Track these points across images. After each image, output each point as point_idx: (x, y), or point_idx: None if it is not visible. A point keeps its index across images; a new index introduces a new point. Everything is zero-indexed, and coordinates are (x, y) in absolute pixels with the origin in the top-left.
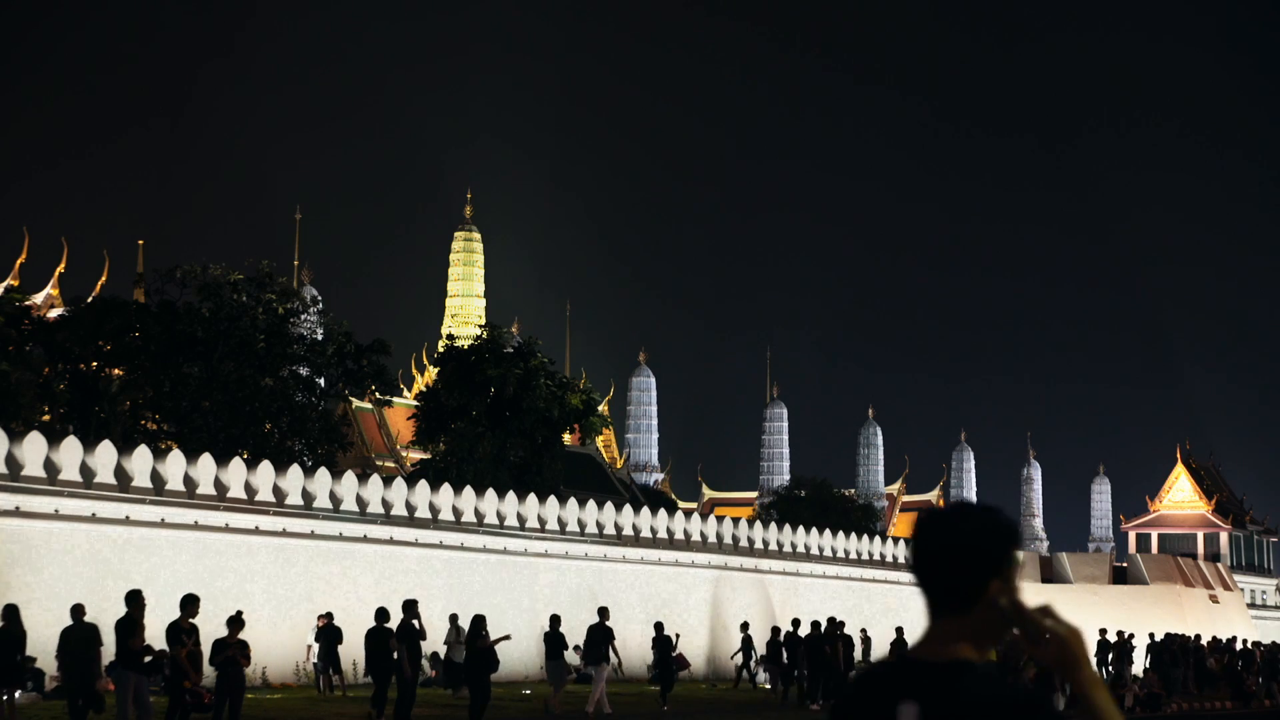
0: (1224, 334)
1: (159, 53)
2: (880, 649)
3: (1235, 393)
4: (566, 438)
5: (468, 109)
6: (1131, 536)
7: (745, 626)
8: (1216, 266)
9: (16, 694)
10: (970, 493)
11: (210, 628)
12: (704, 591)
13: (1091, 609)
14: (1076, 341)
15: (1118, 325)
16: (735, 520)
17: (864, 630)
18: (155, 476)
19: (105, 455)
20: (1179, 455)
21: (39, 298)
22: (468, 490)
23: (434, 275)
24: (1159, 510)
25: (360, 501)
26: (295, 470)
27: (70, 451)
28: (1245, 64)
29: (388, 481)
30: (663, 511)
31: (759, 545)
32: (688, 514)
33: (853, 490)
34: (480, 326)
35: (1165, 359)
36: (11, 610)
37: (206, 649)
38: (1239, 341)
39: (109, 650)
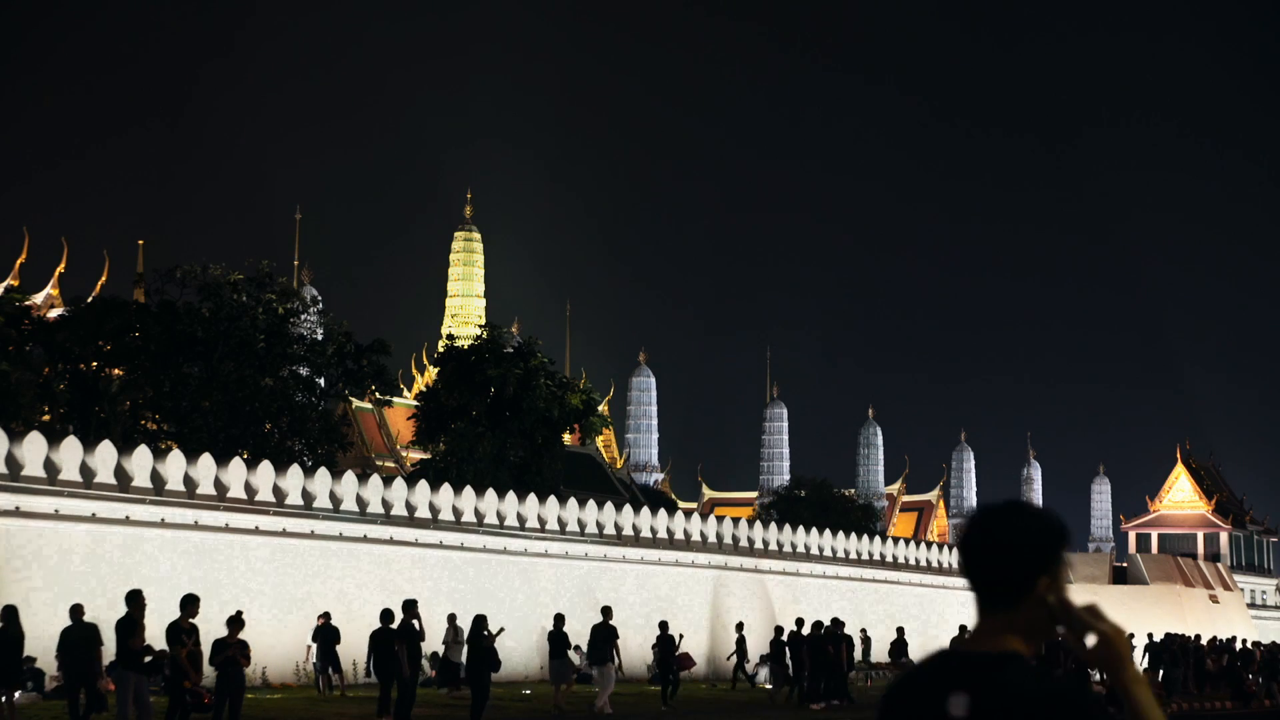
0: (1224, 334)
1: (159, 53)
2: (880, 649)
3: (1235, 393)
4: (566, 438)
5: (468, 109)
6: (1131, 536)
7: (740, 626)
8: (1216, 266)
9: (16, 694)
10: (970, 493)
11: (210, 628)
12: (704, 591)
13: None
14: (1076, 341)
15: (1118, 325)
16: (735, 520)
17: (864, 630)
18: (155, 476)
19: (105, 455)
20: (1179, 455)
21: (39, 298)
22: (468, 490)
23: (434, 275)
24: (1159, 510)
25: (360, 501)
26: (295, 470)
27: (70, 451)
28: (1246, 63)
29: (388, 481)
30: (663, 511)
31: (759, 545)
32: (688, 514)
33: (853, 490)
34: (480, 326)
35: (1165, 359)
36: (11, 611)
37: (206, 649)
38: (1239, 341)
39: (109, 650)
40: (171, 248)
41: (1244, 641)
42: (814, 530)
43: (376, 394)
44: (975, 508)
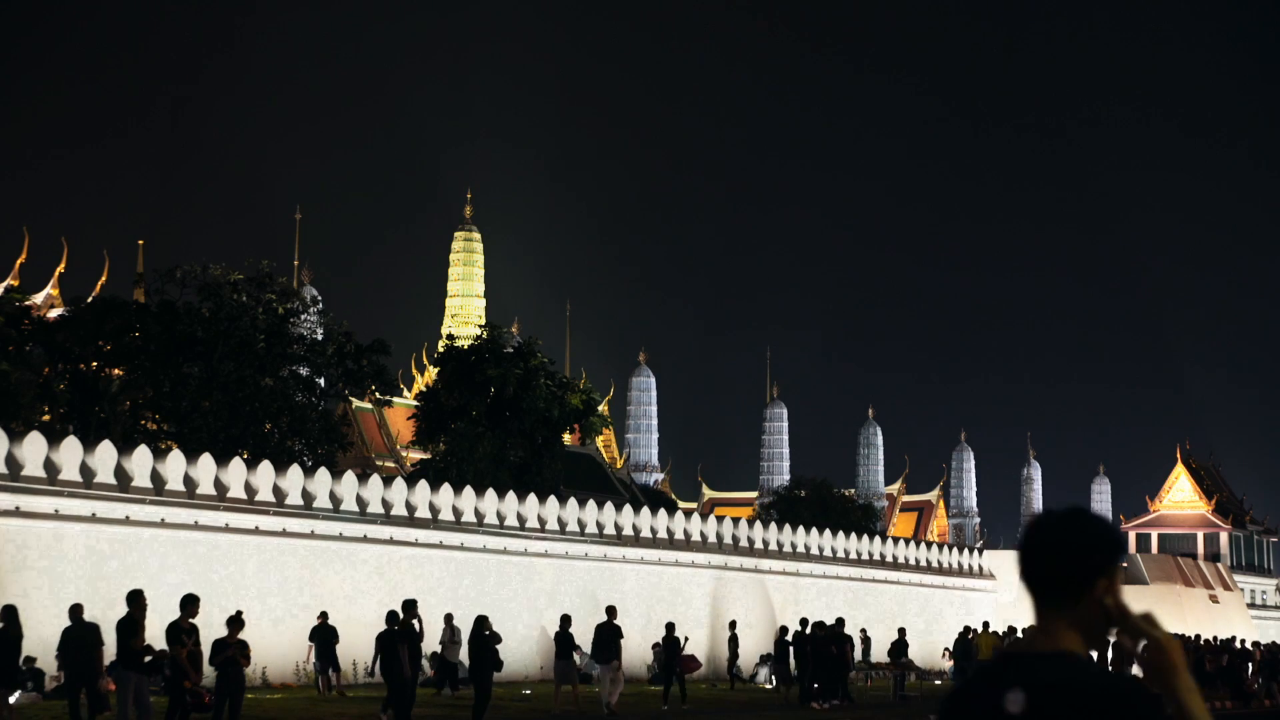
0: (1224, 334)
1: (159, 53)
2: (880, 649)
3: (1235, 393)
4: (566, 438)
5: (468, 108)
6: (1131, 536)
7: (733, 625)
8: (1217, 266)
9: (16, 694)
10: (970, 492)
11: (210, 628)
12: (704, 592)
13: None
14: (1076, 341)
15: (1118, 325)
16: (735, 520)
17: (864, 630)
18: (155, 476)
19: (105, 455)
20: (1179, 455)
21: (39, 298)
22: (468, 490)
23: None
24: (1159, 510)
25: (360, 501)
26: (295, 470)
27: (70, 451)
28: (1247, 62)
29: (388, 481)
30: (663, 511)
31: (759, 545)
32: (688, 514)
33: (853, 490)
34: (480, 326)
35: (1165, 359)
36: (11, 611)
37: (206, 649)
38: (1239, 341)
39: (109, 650)
40: (171, 248)
41: (1241, 641)
42: (814, 530)
43: (376, 394)
44: (1039, 512)
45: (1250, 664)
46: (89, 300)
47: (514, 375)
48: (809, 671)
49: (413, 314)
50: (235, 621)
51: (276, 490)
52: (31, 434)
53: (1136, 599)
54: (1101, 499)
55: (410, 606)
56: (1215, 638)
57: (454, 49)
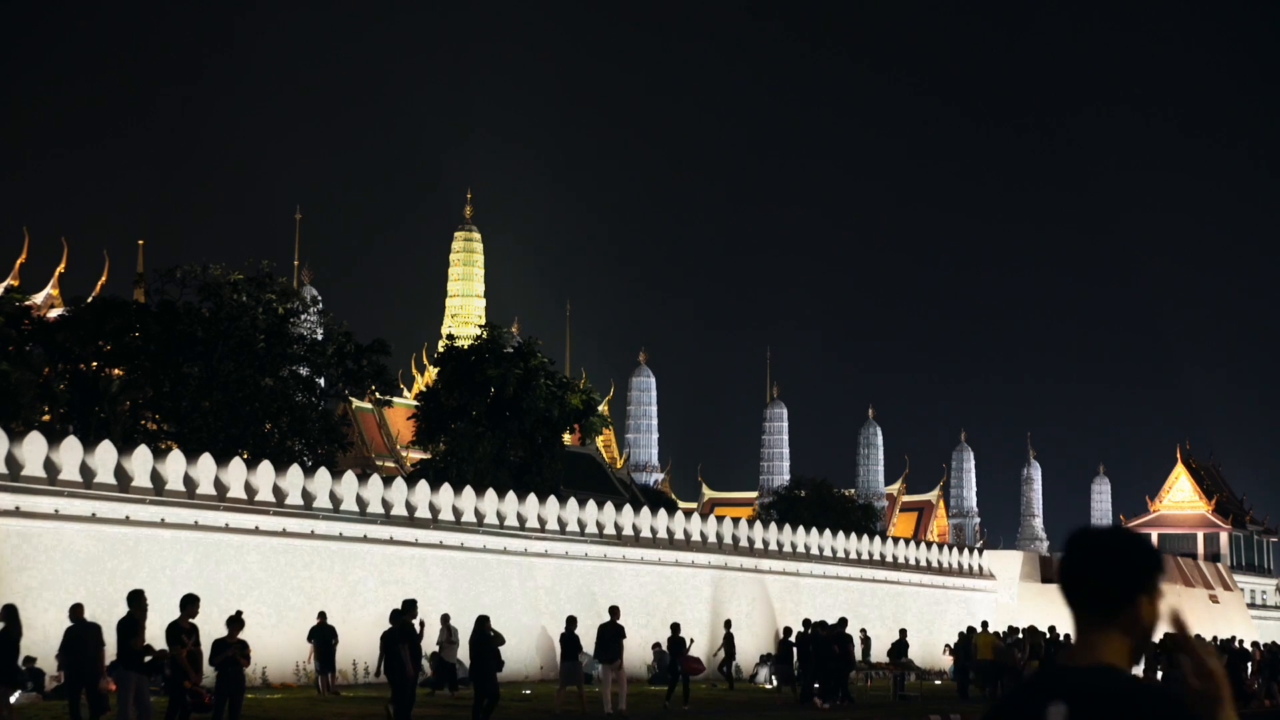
0: (1224, 334)
1: (158, 52)
2: (880, 649)
3: (1235, 393)
4: (566, 438)
5: (468, 107)
6: None
7: (728, 624)
8: (1217, 266)
9: (16, 694)
10: (970, 492)
11: (210, 628)
12: (704, 591)
13: None
14: (1076, 341)
15: (1118, 325)
16: (735, 520)
17: (864, 630)
18: (155, 476)
19: (105, 455)
20: (1179, 455)
21: (39, 298)
22: (468, 490)
23: (434, 275)
24: (1159, 510)
25: (360, 501)
26: (295, 470)
27: (70, 451)
28: (1247, 62)
29: (388, 481)
30: (663, 511)
31: (759, 545)
32: (688, 514)
33: (853, 490)
34: (480, 326)
35: (1165, 359)
36: (11, 610)
37: (206, 649)
38: (1239, 341)
39: (110, 650)
40: (171, 248)
41: (1239, 641)
42: (814, 530)
43: (376, 394)
44: (1078, 530)
45: (1250, 664)
46: (89, 300)
47: (514, 375)
48: (810, 670)
49: (413, 314)
50: (235, 621)
51: (276, 490)
52: (31, 434)
53: None
54: (1101, 499)
55: (410, 606)
56: (1215, 638)
57: (454, 49)
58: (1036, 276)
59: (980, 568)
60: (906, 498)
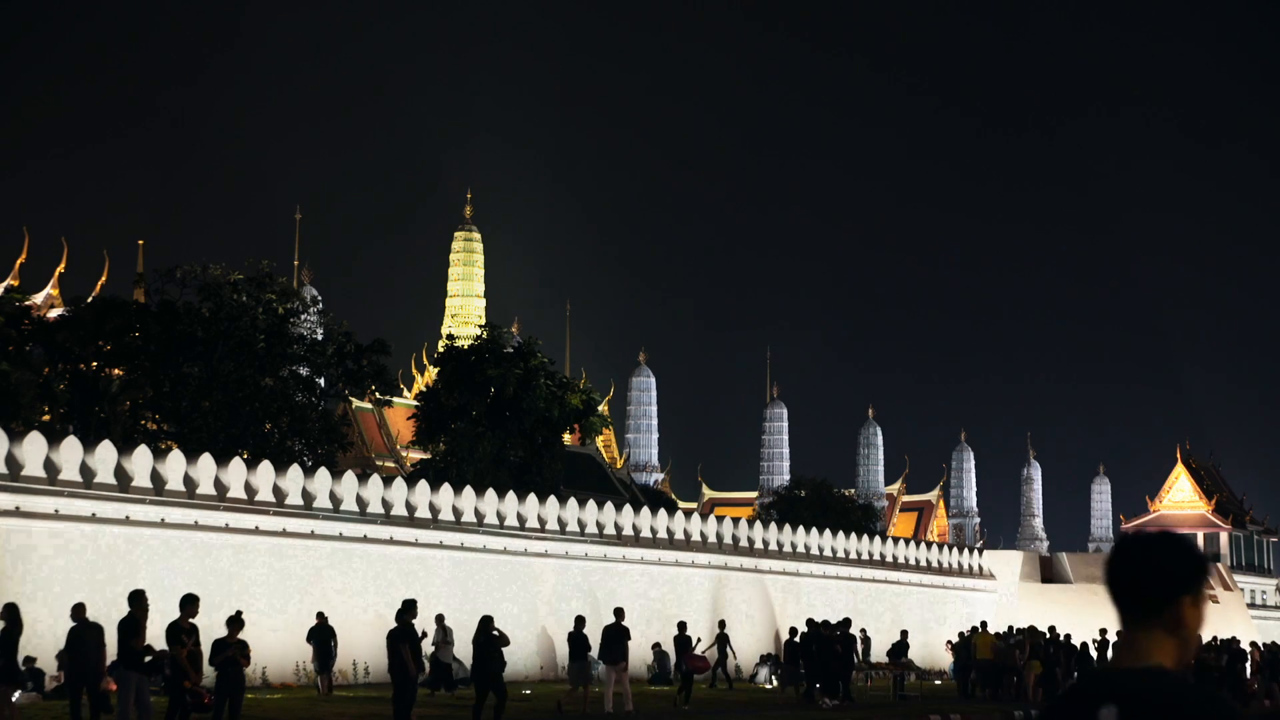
0: (1224, 334)
1: (159, 52)
2: (880, 649)
3: (1235, 393)
4: (566, 438)
5: (468, 108)
6: None
7: (722, 625)
8: (1217, 266)
9: (16, 694)
10: (970, 492)
11: (210, 628)
12: (704, 591)
13: (1091, 609)
14: (1077, 341)
15: (1118, 325)
16: (735, 520)
17: (863, 630)
18: (155, 476)
19: (105, 455)
20: (1179, 455)
21: (39, 298)
22: (468, 490)
23: (434, 275)
24: (1159, 510)
25: (360, 501)
26: (295, 470)
27: (70, 451)
28: (1248, 61)
29: (388, 481)
30: (663, 511)
31: (759, 545)
32: (688, 514)
33: (853, 490)
34: (480, 326)
35: (1165, 359)
36: (12, 609)
37: (206, 649)
38: (1239, 341)
39: (110, 650)
40: (171, 248)
41: (1236, 642)
42: (814, 530)
43: (376, 394)
44: (1126, 534)
45: (1249, 664)
46: (89, 300)
47: (514, 375)
48: (813, 670)
49: (413, 314)
50: (235, 621)
51: (276, 490)
52: (31, 434)
53: None
54: (1101, 499)
55: (409, 606)
56: (1215, 638)
57: (454, 49)
58: (1036, 276)
59: (980, 568)
60: (906, 498)
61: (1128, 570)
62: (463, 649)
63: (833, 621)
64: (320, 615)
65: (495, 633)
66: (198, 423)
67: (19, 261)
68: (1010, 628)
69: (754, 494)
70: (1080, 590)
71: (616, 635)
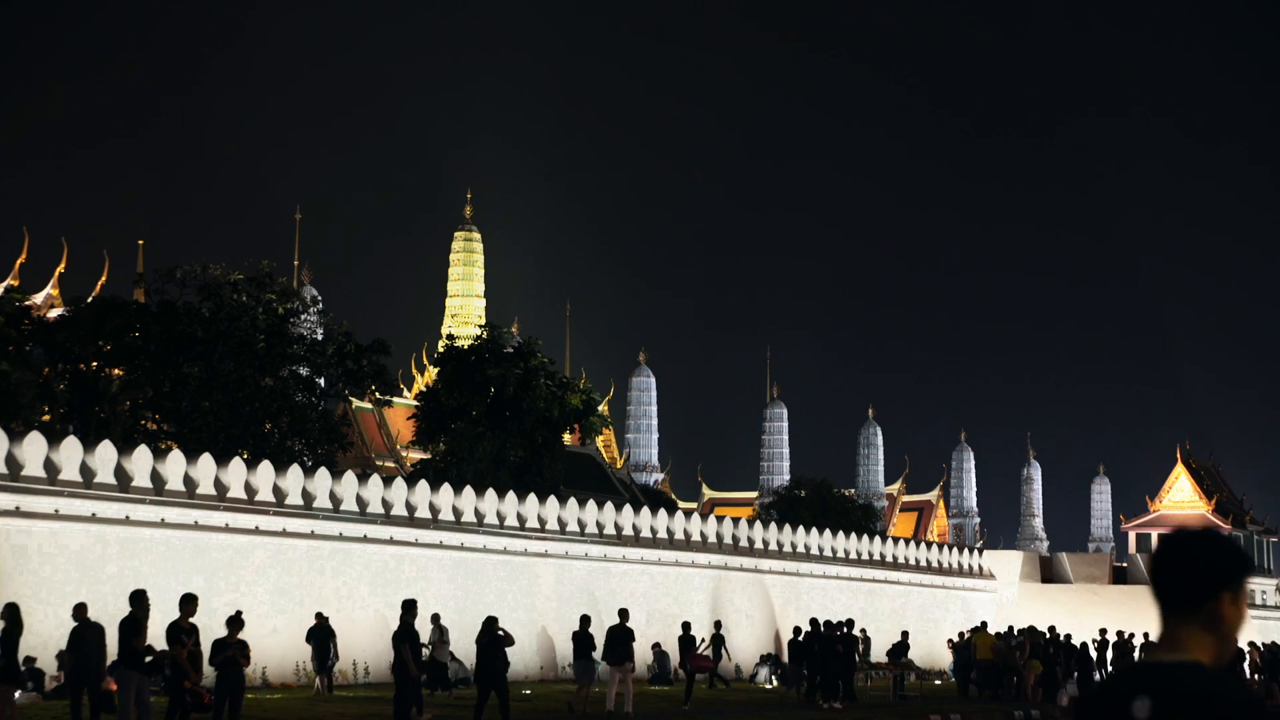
0: (1224, 334)
1: (159, 53)
2: (880, 649)
3: (1235, 393)
4: (566, 438)
5: (468, 109)
6: (1131, 536)
7: (718, 625)
8: (1217, 266)
9: (17, 694)
10: (970, 493)
11: (210, 628)
12: (704, 591)
13: (1091, 609)
14: (1076, 341)
15: (1118, 325)
16: (735, 520)
17: (864, 630)
18: (155, 476)
19: (105, 455)
20: (1179, 455)
21: (39, 298)
22: (468, 490)
23: (434, 275)
24: (1159, 510)
25: (360, 501)
26: (295, 470)
27: (70, 451)
28: (1247, 63)
29: (388, 481)
30: (663, 511)
31: (759, 545)
32: (688, 514)
33: (853, 490)
34: (480, 326)
35: (1165, 359)
36: (12, 608)
37: (206, 649)
38: (1239, 341)
39: (111, 650)
40: (171, 248)
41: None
42: (814, 530)
43: (376, 394)
44: (1172, 531)
45: (1247, 663)
46: (89, 300)
47: (514, 375)
48: (813, 671)
49: (413, 314)
50: (235, 621)
51: (276, 490)
52: (31, 434)
53: (1136, 599)
54: (1101, 499)
55: (410, 606)
56: None
57: (454, 49)
58: (1036, 276)
59: (980, 568)
60: (906, 498)
61: (1170, 565)
62: (462, 649)
63: (834, 622)
64: (319, 615)
65: (500, 633)
66: (198, 423)
67: (19, 261)
68: (1010, 628)
69: (754, 494)
70: (1080, 590)
71: (621, 636)
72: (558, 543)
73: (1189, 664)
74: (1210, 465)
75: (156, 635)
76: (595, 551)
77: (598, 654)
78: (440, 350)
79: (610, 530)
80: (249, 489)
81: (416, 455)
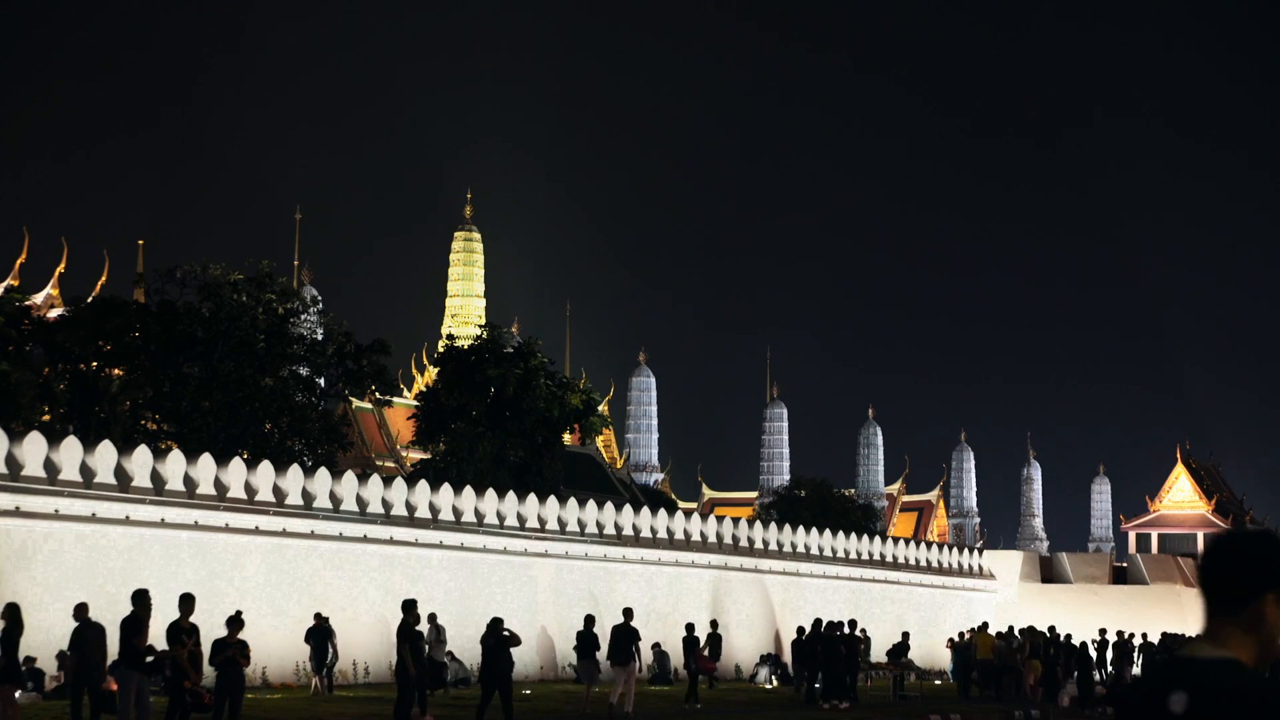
0: (1224, 334)
1: (159, 53)
2: (880, 649)
3: (1235, 393)
4: (566, 438)
5: (468, 109)
6: (1131, 536)
7: (715, 625)
8: (1217, 266)
9: (17, 693)
10: (970, 492)
11: (210, 628)
12: (704, 591)
13: (1091, 609)
14: (1076, 341)
15: (1118, 325)
16: (735, 520)
17: (863, 630)
18: (155, 476)
19: (105, 455)
20: (1179, 455)
21: (39, 298)
22: (468, 490)
23: (434, 275)
24: (1159, 510)
25: (360, 501)
26: (295, 470)
27: (70, 451)
28: (1247, 64)
29: (388, 481)
30: (663, 511)
31: (759, 545)
32: (688, 514)
33: (853, 490)
34: (480, 326)
35: (1165, 359)
36: (13, 608)
37: (206, 649)
38: (1239, 341)
39: (112, 649)
40: (171, 248)
41: None
42: (814, 530)
43: (376, 394)
44: (1226, 531)
45: None
46: (89, 300)
47: (514, 375)
48: (814, 671)
49: (413, 314)
50: (235, 621)
51: (276, 490)
52: (31, 434)
53: (1136, 599)
54: (1101, 499)
55: (410, 606)
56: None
57: (454, 50)
58: (1037, 277)
59: (980, 568)
60: (906, 498)
61: (1219, 561)
62: (462, 648)
63: (835, 622)
64: (318, 616)
65: (506, 633)
66: (198, 423)
67: (19, 261)
68: (1010, 628)
69: (754, 494)
70: (1080, 590)
71: (625, 636)
72: (558, 543)
73: (1227, 660)
74: (1210, 465)
75: (157, 635)
76: (595, 551)
77: (602, 654)
78: (440, 350)
79: (610, 530)
80: (249, 489)
81: (416, 455)
